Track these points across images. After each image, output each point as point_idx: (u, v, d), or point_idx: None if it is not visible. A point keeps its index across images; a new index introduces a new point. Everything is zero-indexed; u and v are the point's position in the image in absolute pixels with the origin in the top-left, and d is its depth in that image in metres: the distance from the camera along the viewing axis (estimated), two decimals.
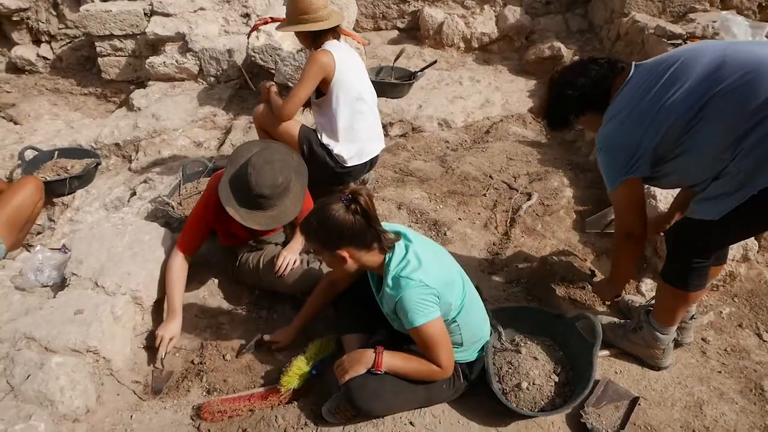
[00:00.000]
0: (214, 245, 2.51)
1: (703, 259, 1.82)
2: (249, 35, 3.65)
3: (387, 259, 1.71)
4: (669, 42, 3.59)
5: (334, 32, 2.67)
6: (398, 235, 1.75)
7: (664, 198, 2.56)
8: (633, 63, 1.85)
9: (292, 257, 2.30)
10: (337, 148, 2.71)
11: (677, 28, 3.74)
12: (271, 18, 3.62)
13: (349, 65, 2.65)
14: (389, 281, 1.68)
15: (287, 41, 3.58)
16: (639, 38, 3.98)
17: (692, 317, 2.11)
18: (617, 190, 1.85)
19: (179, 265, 2.21)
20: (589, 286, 2.40)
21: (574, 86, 1.90)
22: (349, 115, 2.68)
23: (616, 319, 2.22)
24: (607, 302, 2.35)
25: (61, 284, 2.24)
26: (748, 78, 1.55)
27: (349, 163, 2.75)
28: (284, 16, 3.67)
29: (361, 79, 2.75)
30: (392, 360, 1.75)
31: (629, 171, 1.78)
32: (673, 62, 1.71)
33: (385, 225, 1.81)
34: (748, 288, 2.43)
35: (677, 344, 2.12)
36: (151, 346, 2.12)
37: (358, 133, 2.74)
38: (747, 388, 2.02)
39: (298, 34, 2.72)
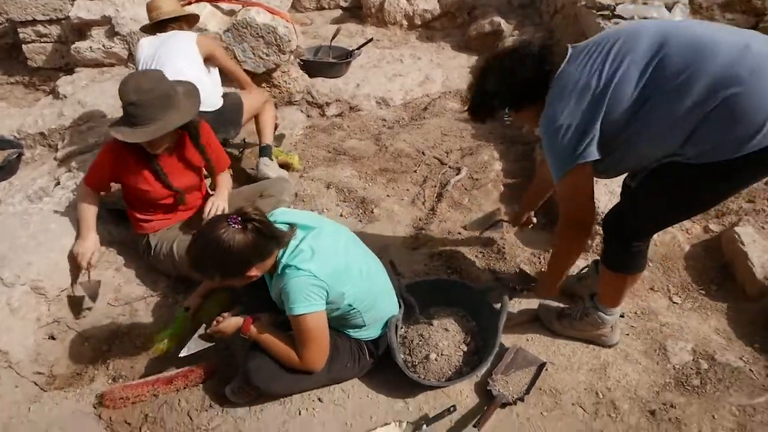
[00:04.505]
0: (129, 232, 2.46)
1: (640, 243, 1.79)
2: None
3: (280, 253, 1.68)
4: (598, 13, 3.59)
5: (173, 24, 2.89)
6: (292, 227, 1.72)
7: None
8: (569, 45, 1.69)
9: (221, 203, 2.25)
10: None
11: (607, 0, 3.75)
12: None
13: (159, 53, 2.72)
14: (279, 270, 1.67)
15: (213, 21, 3.48)
16: (572, 11, 3.98)
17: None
18: (567, 177, 1.66)
19: (88, 193, 2.25)
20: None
21: (514, 78, 1.71)
22: None
23: (557, 305, 2.16)
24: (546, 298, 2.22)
25: None
26: (691, 62, 1.47)
27: None
28: None
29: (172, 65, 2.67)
30: (260, 332, 1.76)
31: (580, 155, 1.60)
32: (615, 40, 1.58)
33: (287, 215, 1.79)
34: (662, 252, 2.48)
35: None
36: (53, 335, 2.07)
37: None
38: (651, 349, 2.06)
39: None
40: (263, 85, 3.70)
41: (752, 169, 1.53)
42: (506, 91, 1.75)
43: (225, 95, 2.88)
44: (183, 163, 2.30)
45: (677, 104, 1.49)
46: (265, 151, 3.00)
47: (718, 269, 2.40)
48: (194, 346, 1.88)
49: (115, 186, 2.59)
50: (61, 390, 1.91)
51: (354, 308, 1.77)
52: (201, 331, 1.93)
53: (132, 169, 2.19)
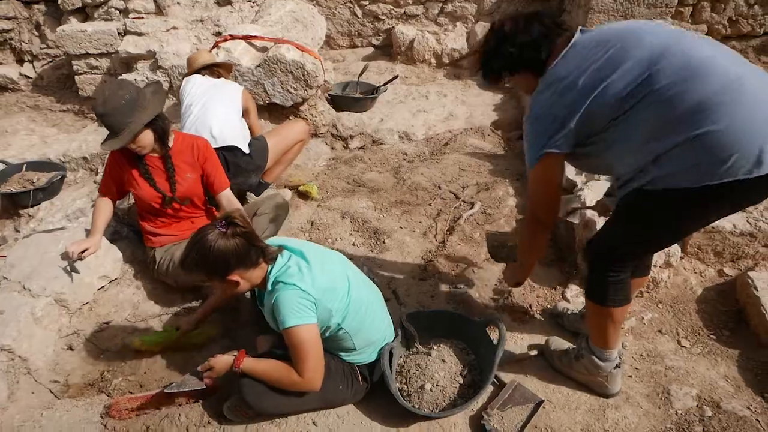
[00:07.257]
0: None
1: (618, 272, 1.79)
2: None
3: (269, 269, 1.76)
4: None
5: (212, 71, 3.23)
6: (280, 247, 1.80)
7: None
8: (579, 28, 1.71)
9: None
10: None
11: None
12: (231, 35, 3.75)
13: (211, 92, 3.05)
14: (269, 286, 1.74)
15: (246, 57, 3.69)
16: None
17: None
18: (539, 165, 1.73)
19: (102, 200, 2.47)
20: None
21: (513, 43, 1.76)
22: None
23: (566, 344, 2.14)
24: (510, 287, 2.35)
25: None
26: (682, 81, 1.50)
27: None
28: (245, 33, 3.82)
29: (215, 105, 2.98)
30: (253, 361, 1.79)
31: (553, 144, 1.67)
32: (614, 44, 1.60)
33: (275, 240, 1.88)
34: (673, 294, 2.43)
35: None
36: (72, 346, 2.20)
37: None
38: (654, 392, 2.02)
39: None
40: (291, 117, 3.88)
41: (714, 201, 1.56)
42: (505, 53, 1.78)
43: (252, 141, 3.06)
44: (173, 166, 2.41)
45: (662, 116, 1.52)
46: (257, 188, 3.14)
47: (731, 314, 2.34)
48: (183, 384, 1.86)
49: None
50: (73, 398, 2.01)
51: (342, 328, 1.80)
52: (193, 370, 1.91)
53: (126, 171, 2.39)
